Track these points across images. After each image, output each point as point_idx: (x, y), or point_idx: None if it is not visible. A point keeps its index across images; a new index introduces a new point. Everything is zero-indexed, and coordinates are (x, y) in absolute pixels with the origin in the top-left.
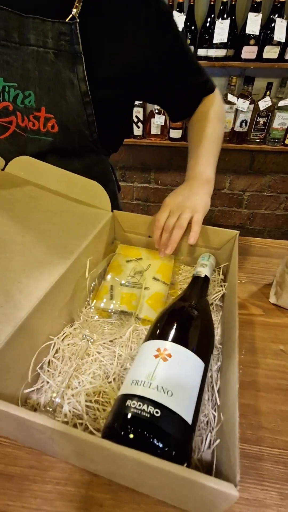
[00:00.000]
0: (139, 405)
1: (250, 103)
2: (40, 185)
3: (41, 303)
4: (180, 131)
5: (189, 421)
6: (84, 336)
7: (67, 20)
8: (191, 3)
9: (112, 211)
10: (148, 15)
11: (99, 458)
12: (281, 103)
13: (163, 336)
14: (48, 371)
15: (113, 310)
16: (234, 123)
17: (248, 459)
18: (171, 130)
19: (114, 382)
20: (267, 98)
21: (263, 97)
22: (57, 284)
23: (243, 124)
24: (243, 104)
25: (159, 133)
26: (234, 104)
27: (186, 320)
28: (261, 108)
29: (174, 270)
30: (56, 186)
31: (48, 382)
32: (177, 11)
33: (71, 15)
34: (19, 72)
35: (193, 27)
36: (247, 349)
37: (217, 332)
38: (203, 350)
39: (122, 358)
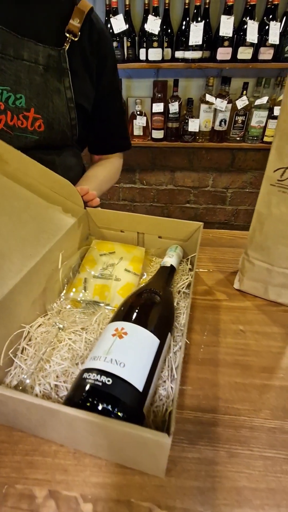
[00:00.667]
0: (93, 376)
1: (228, 103)
2: (17, 175)
3: (12, 293)
4: (162, 131)
5: (140, 389)
6: (54, 323)
7: (57, 48)
8: (166, 7)
9: (84, 208)
10: (111, 67)
11: (58, 424)
12: (258, 102)
13: (122, 318)
14: (21, 356)
15: (86, 300)
16: (213, 122)
17: (201, 425)
18: (153, 131)
19: (81, 364)
20: (244, 98)
21: (240, 97)
22: (29, 275)
23: (222, 123)
24: (221, 104)
25: (141, 134)
26: (212, 104)
27: (144, 303)
28: (239, 107)
29: (145, 262)
30: (34, 177)
31: (20, 367)
32: (152, 15)
33: (61, 48)
34: (13, 78)
35: (169, 30)
36: (209, 330)
37: (183, 317)
38: (160, 330)
39: (90, 342)
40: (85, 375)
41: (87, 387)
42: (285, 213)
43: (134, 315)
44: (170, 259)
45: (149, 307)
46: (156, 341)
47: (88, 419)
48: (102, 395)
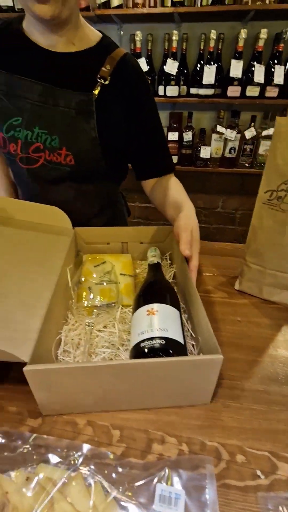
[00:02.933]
0: (150, 342)
1: (237, 133)
2: (4, 217)
3: (50, 307)
4: (176, 157)
5: (182, 342)
6: (87, 323)
7: (87, 94)
8: (183, 52)
9: (73, 228)
10: (145, 101)
11: (128, 375)
12: (265, 133)
13: (147, 302)
14: (67, 358)
15: (96, 305)
16: (224, 149)
17: None
18: None
19: (121, 347)
20: (252, 129)
21: (248, 128)
22: (55, 290)
23: (232, 150)
24: (231, 134)
25: None
26: (223, 134)
27: (157, 288)
28: (247, 137)
29: (133, 265)
30: (21, 215)
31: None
32: (171, 58)
33: (91, 93)
34: (50, 122)
35: (185, 71)
36: (211, 319)
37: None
38: (175, 304)
39: (119, 331)
40: (142, 344)
41: (147, 350)
42: (272, 226)
43: (155, 297)
44: (154, 258)
45: (161, 291)
46: (176, 311)
47: (158, 361)
48: (162, 351)
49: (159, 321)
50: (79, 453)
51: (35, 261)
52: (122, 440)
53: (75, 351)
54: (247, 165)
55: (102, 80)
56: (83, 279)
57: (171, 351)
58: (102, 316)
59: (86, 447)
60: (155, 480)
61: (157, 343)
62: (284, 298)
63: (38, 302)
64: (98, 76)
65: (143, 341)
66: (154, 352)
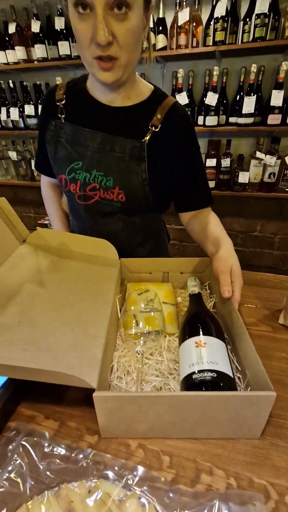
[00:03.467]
0: (201, 374)
1: (277, 159)
2: (64, 250)
3: (106, 340)
4: (214, 182)
5: (231, 375)
6: (137, 351)
7: (140, 140)
8: (223, 85)
9: (119, 258)
10: (189, 144)
11: (184, 406)
12: None
13: (194, 334)
14: (120, 384)
15: (142, 332)
16: (263, 174)
17: None
18: None
19: (170, 376)
20: None
21: None
22: (109, 323)
23: (271, 176)
24: (270, 160)
25: None
26: (262, 159)
27: (202, 319)
28: None
29: (174, 294)
30: (76, 247)
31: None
32: (211, 92)
33: (143, 140)
34: (106, 166)
35: (224, 101)
36: None
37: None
38: (220, 336)
39: (168, 360)
40: (194, 376)
41: (199, 382)
42: None
43: (202, 330)
44: (195, 288)
45: (207, 322)
46: (223, 343)
47: (216, 394)
48: (212, 385)
49: (208, 353)
50: (134, 473)
51: (92, 291)
52: (172, 466)
53: (126, 378)
54: (287, 189)
55: (153, 127)
56: (132, 307)
57: (221, 384)
58: (148, 343)
59: (140, 469)
60: (206, 510)
61: (208, 375)
62: None
63: (98, 331)
64: (150, 124)
65: (194, 373)
66: (205, 385)
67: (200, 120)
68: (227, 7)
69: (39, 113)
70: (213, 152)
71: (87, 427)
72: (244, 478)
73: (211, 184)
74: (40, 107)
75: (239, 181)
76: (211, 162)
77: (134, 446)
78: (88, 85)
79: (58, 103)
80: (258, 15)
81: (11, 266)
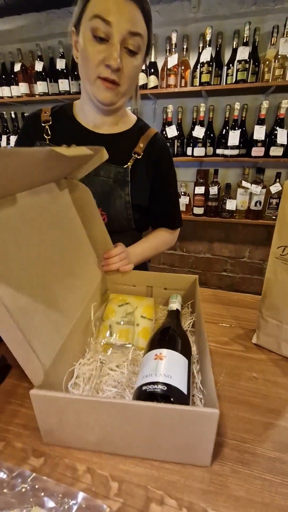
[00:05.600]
0: (152, 386)
1: (262, 188)
2: (78, 203)
3: (68, 338)
4: (202, 208)
5: (185, 392)
6: (99, 359)
7: (124, 166)
8: (210, 120)
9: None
10: (166, 169)
11: (123, 416)
12: None
13: (157, 346)
14: (76, 390)
15: (113, 343)
16: (249, 202)
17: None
18: (194, 208)
19: (127, 388)
20: (277, 184)
21: (273, 183)
22: (76, 324)
23: (257, 204)
24: (256, 189)
25: (184, 209)
26: (248, 188)
27: (170, 334)
28: (273, 192)
29: (155, 310)
30: (89, 219)
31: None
32: (199, 125)
33: (126, 165)
34: (91, 189)
35: (211, 135)
36: (225, 373)
37: (194, 349)
38: (185, 352)
39: (129, 373)
40: (144, 387)
41: (148, 394)
42: (286, 280)
43: (166, 343)
44: (174, 305)
45: (174, 338)
46: (185, 360)
47: (158, 406)
48: (162, 398)
49: (165, 366)
50: (74, 501)
51: (72, 280)
52: (120, 494)
53: (84, 385)
54: (273, 217)
55: (136, 155)
56: (110, 318)
57: (172, 399)
58: (116, 355)
59: (81, 495)
60: None
61: (158, 388)
62: None
63: (59, 332)
64: (133, 151)
65: (146, 384)
66: (155, 397)
67: (189, 151)
68: (211, 54)
69: (17, 136)
70: (201, 181)
71: (34, 448)
72: (198, 509)
73: (200, 210)
74: None
75: (227, 208)
76: (199, 190)
77: (82, 470)
78: (75, 111)
79: (44, 124)
80: (239, 61)
81: None
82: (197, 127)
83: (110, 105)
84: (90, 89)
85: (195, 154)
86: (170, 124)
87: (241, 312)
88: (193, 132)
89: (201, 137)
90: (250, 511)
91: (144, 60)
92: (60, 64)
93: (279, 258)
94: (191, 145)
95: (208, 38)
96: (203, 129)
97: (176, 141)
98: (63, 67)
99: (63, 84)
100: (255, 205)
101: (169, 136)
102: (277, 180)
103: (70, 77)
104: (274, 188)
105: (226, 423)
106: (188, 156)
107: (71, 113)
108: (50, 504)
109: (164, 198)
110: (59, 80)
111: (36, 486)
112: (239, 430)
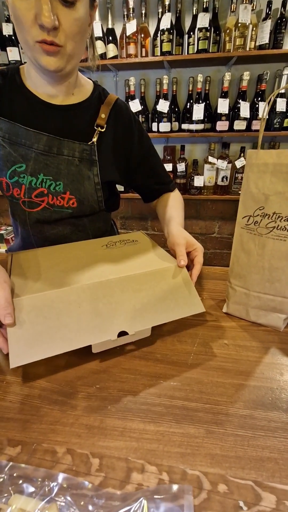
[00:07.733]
0: None
1: (228, 163)
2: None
3: None
4: None
5: None
6: None
7: (88, 143)
8: (174, 93)
9: None
10: (138, 138)
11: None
12: None
13: None
14: None
15: None
16: (216, 178)
17: (187, 410)
18: None
19: None
20: (242, 159)
21: (238, 158)
22: None
23: (224, 179)
24: (222, 164)
25: None
26: (214, 164)
27: None
28: (238, 167)
29: None
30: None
31: None
32: (163, 99)
33: (91, 141)
34: (54, 170)
35: (176, 109)
36: (198, 343)
37: None
38: None
39: None
40: None
41: None
42: (252, 248)
43: None
44: None
45: None
46: None
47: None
48: None
49: None
50: (55, 483)
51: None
52: (101, 469)
53: None
54: (240, 192)
55: (99, 128)
56: None
57: None
58: None
59: (62, 476)
60: (131, 511)
61: None
62: (271, 320)
63: None
64: (96, 124)
65: None
66: None
67: (154, 126)
68: (171, 21)
69: None
70: (169, 157)
71: (9, 438)
72: (177, 471)
73: None
74: None
75: (195, 184)
76: (167, 167)
77: (61, 452)
78: (23, 78)
79: None
80: (200, 29)
81: None
82: (161, 101)
83: (57, 71)
84: (31, 55)
85: (161, 129)
86: (133, 98)
87: (212, 284)
88: (157, 106)
89: (165, 111)
90: (225, 465)
91: (91, 13)
92: (7, 29)
93: (245, 227)
94: (156, 120)
95: (167, 3)
96: (167, 103)
97: (140, 116)
98: (11, 33)
99: (13, 53)
100: (222, 180)
101: (134, 110)
102: (242, 154)
103: (19, 45)
104: (239, 163)
105: (202, 388)
106: (154, 132)
107: (20, 80)
108: (30, 489)
109: (149, 170)
110: (8, 48)
111: (14, 474)
112: (213, 394)
